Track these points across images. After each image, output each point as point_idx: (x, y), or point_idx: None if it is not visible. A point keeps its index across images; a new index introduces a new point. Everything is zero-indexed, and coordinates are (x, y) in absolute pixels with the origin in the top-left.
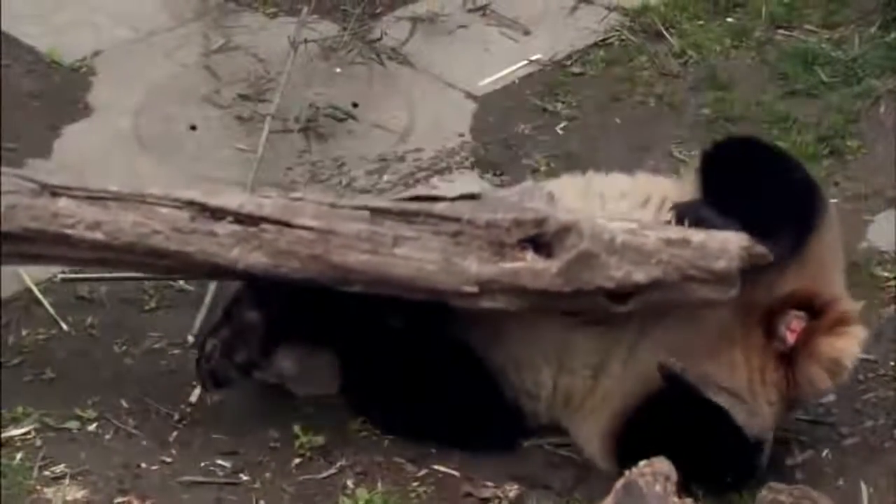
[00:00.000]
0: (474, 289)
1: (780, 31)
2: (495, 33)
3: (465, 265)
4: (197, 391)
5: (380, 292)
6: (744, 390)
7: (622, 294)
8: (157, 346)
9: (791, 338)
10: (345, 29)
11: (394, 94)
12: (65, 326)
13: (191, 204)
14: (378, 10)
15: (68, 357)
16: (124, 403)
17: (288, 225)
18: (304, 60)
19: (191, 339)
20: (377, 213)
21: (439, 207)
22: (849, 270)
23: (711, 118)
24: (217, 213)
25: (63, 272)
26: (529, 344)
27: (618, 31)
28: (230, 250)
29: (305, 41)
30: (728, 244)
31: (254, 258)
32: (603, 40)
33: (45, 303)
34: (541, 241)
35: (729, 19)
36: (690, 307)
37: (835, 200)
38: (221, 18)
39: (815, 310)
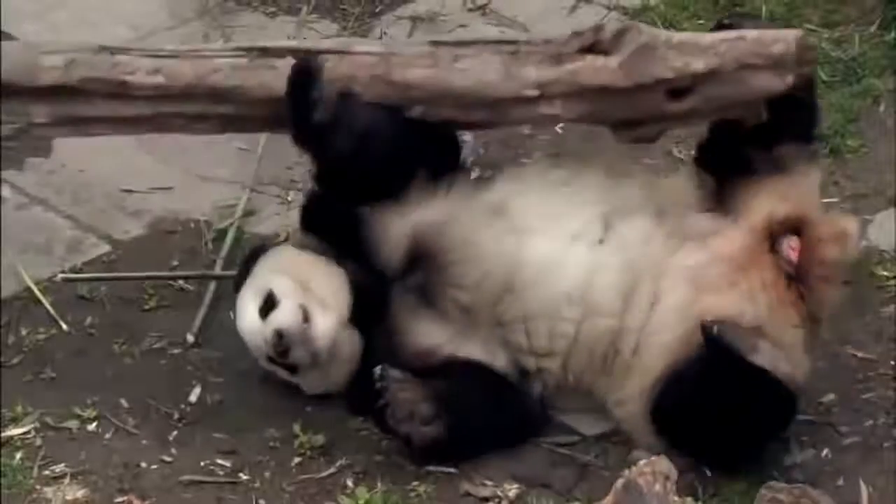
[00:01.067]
0: (535, 92)
1: None
2: (495, 32)
3: (524, 71)
4: (197, 390)
5: (441, 108)
6: (768, 318)
7: (681, 91)
8: (156, 345)
9: (794, 255)
10: (345, 28)
11: None
12: (64, 326)
13: (248, 50)
14: (378, 9)
15: (68, 356)
16: (124, 403)
17: (348, 52)
18: None
19: (190, 338)
20: (435, 44)
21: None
22: (848, 269)
23: None
24: (275, 53)
25: (63, 272)
26: (551, 285)
27: None
28: None
29: (305, 39)
30: (782, 34)
31: None
32: None
33: (45, 302)
34: (599, 49)
35: None
36: (750, 97)
37: (835, 199)
38: (221, 17)
39: (807, 232)
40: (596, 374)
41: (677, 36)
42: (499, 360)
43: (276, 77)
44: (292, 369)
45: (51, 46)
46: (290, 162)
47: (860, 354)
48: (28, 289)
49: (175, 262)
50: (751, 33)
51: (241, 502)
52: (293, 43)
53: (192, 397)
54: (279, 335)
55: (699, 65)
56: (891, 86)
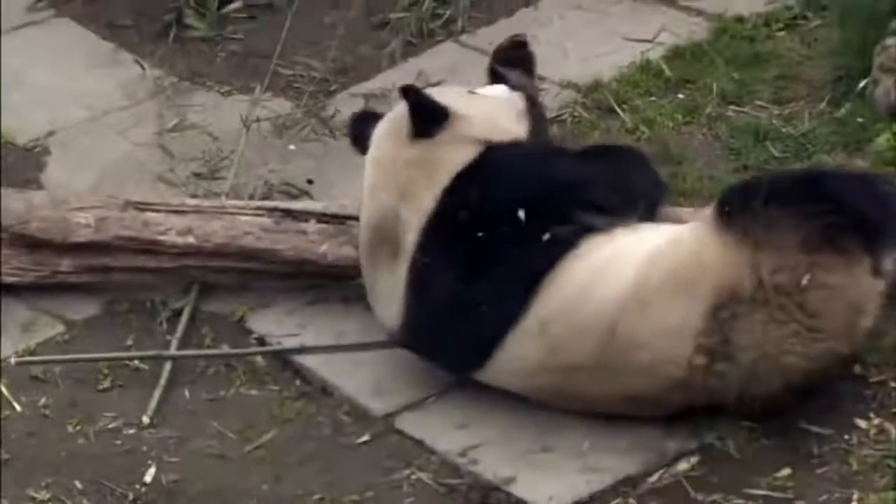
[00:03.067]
0: None
1: (731, 106)
2: None
3: None
4: (152, 471)
5: None
6: None
7: None
8: (111, 425)
9: None
10: (298, 106)
11: (349, 170)
12: (18, 407)
13: (273, 210)
14: (332, 88)
15: (21, 437)
16: (78, 484)
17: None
18: (258, 138)
19: (146, 419)
20: None
21: None
22: None
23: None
24: (301, 216)
25: (17, 353)
26: None
27: (571, 107)
28: (319, 245)
29: (259, 119)
30: None
31: (343, 252)
32: (556, 117)
33: None
34: None
35: (680, 95)
36: None
37: None
38: (175, 97)
39: None
40: None
41: None
42: None
43: (305, 241)
44: None
45: (78, 202)
46: None
47: (815, 429)
48: None
49: (130, 342)
50: None
51: None
52: (317, 206)
53: (148, 478)
54: None
55: None
56: (841, 162)
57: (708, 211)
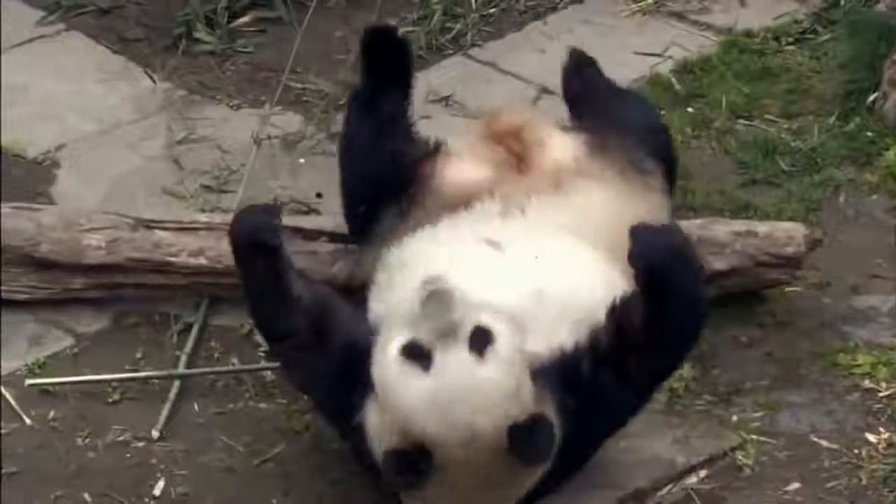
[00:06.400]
0: None
1: (741, 121)
2: (458, 123)
3: None
4: (161, 484)
5: None
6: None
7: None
8: (120, 438)
9: None
10: (308, 121)
11: None
12: (27, 420)
13: (285, 228)
14: (341, 102)
15: (31, 451)
16: (87, 497)
17: None
18: (267, 152)
19: (155, 433)
20: None
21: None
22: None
23: (674, 207)
24: (312, 235)
25: (27, 366)
26: None
27: None
28: (330, 266)
29: (270, 137)
30: (793, 232)
31: (354, 272)
32: None
33: (8, 396)
34: None
35: (689, 109)
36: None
37: (798, 289)
38: (185, 110)
39: None
40: None
41: (696, 232)
42: None
43: (316, 262)
44: None
45: (89, 223)
46: None
47: (825, 443)
48: None
49: (139, 356)
50: (761, 228)
51: None
52: (329, 223)
53: (157, 491)
54: None
55: (720, 264)
56: (850, 176)
57: None
